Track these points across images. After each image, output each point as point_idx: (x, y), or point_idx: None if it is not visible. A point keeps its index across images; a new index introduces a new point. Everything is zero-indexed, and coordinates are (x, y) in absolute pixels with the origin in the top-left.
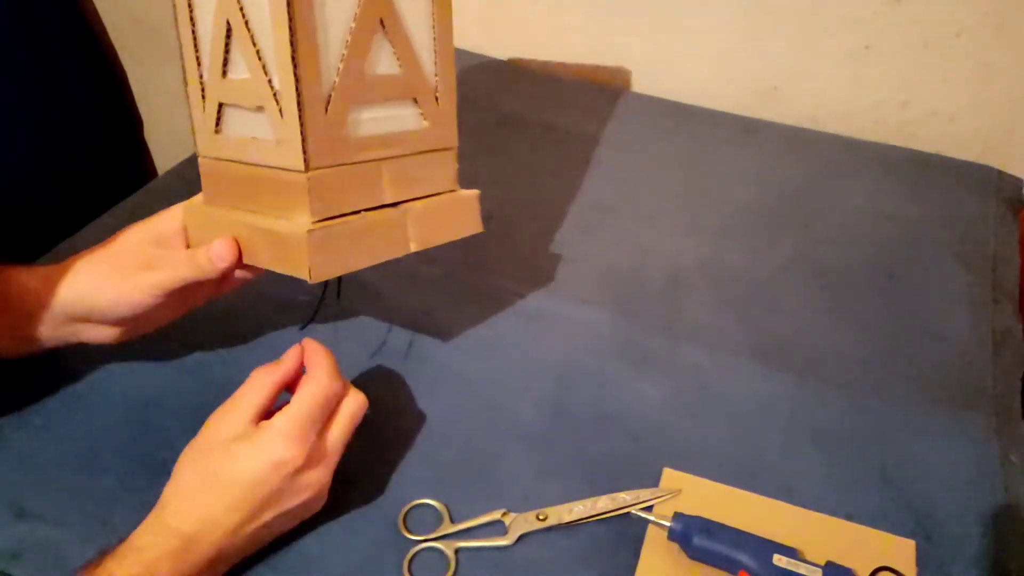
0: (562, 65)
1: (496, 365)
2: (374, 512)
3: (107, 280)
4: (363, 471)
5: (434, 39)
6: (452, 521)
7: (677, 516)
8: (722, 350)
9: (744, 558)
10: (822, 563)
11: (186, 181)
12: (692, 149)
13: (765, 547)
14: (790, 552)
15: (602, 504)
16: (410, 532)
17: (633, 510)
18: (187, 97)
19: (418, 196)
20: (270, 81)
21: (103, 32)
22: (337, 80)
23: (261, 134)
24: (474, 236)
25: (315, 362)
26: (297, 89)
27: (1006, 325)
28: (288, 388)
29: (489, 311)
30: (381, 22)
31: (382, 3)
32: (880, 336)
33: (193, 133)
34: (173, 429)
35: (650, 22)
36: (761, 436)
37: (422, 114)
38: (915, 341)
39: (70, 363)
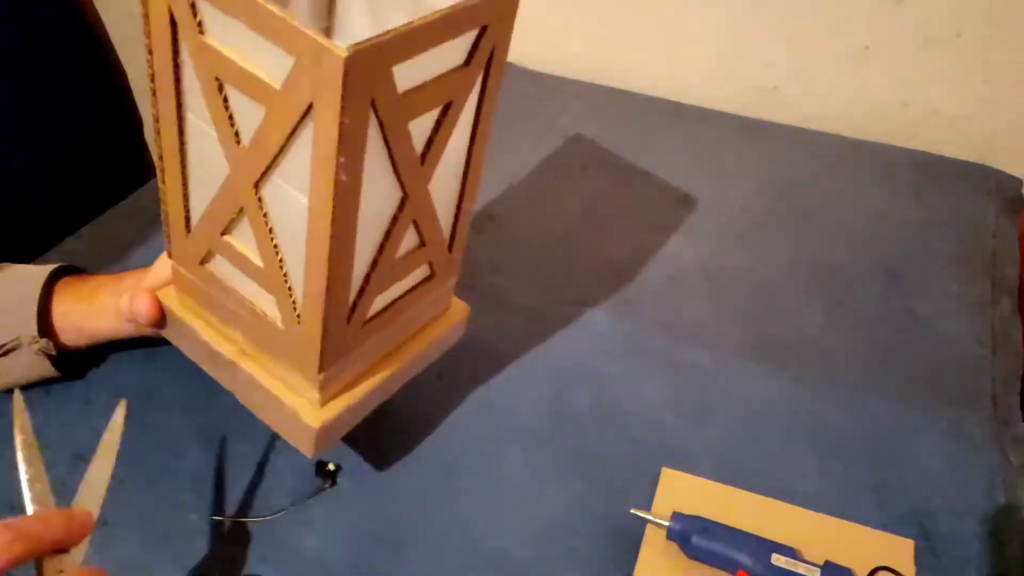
0: (562, 65)
1: (495, 365)
2: (372, 512)
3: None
4: (362, 470)
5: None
6: None
7: (676, 516)
8: (722, 350)
9: (743, 557)
10: (820, 563)
11: None
12: (692, 149)
13: (763, 546)
14: (789, 552)
15: None
16: None
17: (632, 509)
18: (163, 205)
19: (416, 330)
20: (286, 277)
21: (103, 32)
22: (364, 286)
23: (262, 305)
24: (473, 236)
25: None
26: (324, 323)
27: (1005, 325)
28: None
29: (488, 311)
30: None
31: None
32: (880, 336)
33: (167, 229)
34: (173, 429)
35: (650, 22)
36: (761, 436)
37: (431, 266)
38: (915, 341)
39: (69, 362)
